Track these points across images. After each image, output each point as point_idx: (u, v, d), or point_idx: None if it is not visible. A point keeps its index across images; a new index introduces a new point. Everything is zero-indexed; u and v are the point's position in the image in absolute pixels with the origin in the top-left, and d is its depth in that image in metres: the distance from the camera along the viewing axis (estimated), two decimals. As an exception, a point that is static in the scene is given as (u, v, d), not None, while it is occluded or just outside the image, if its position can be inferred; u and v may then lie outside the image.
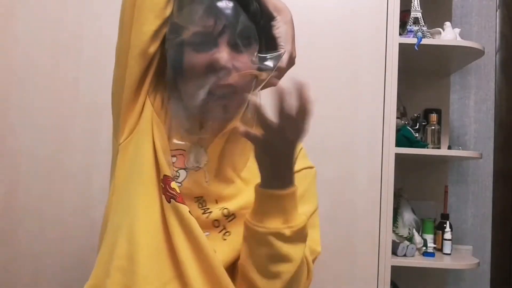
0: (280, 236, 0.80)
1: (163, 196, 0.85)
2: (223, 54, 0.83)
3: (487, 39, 2.38)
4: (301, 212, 0.85)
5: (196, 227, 0.84)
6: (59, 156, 1.70)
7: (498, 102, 2.41)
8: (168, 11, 0.87)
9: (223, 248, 0.87)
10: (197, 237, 0.84)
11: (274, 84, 0.94)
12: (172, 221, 0.84)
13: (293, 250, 0.81)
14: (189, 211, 0.84)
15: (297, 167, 0.91)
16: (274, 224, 0.80)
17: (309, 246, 0.89)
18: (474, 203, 2.38)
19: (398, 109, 1.91)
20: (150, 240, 0.85)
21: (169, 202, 0.85)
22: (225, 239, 0.88)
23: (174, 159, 0.90)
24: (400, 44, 1.79)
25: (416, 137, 2.04)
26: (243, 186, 0.91)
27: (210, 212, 0.87)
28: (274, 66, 0.88)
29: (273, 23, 0.92)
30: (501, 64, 2.42)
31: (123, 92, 0.90)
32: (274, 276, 0.82)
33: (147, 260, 0.84)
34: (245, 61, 0.86)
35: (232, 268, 0.88)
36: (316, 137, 1.75)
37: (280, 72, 0.92)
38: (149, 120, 0.90)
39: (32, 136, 1.70)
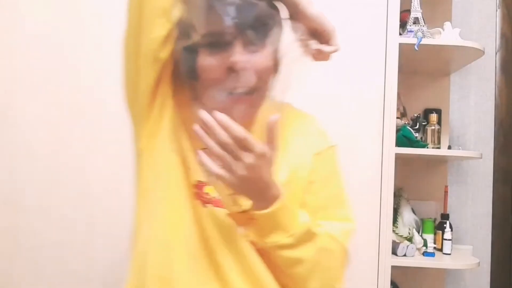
0: (284, 246, 0.82)
1: (198, 201, 0.85)
2: (238, 56, 0.81)
3: (487, 39, 2.37)
4: (326, 197, 0.92)
5: (234, 230, 0.84)
6: (59, 156, 1.70)
7: (498, 102, 2.41)
8: (176, 13, 0.85)
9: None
10: (235, 239, 0.84)
11: (326, 59, 0.96)
12: (209, 225, 0.84)
13: (302, 252, 0.83)
14: (227, 214, 0.85)
15: (317, 148, 0.94)
16: (276, 237, 0.82)
17: (341, 228, 0.91)
18: (474, 203, 2.38)
19: (398, 109, 1.91)
20: (185, 246, 0.85)
21: (205, 206, 0.85)
22: None
23: None
24: (400, 44, 1.79)
25: (416, 137, 2.04)
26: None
27: (245, 209, 0.86)
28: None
29: (300, 8, 0.89)
30: (501, 64, 2.42)
31: (137, 97, 0.88)
32: (293, 277, 0.85)
33: (184, 266, 0.84)
34: (262, 58, 0.84)
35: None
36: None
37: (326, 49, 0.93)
38: (170, 123, 0.88)
39: (32, 136, 1.70)
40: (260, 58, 0.84)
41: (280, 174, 0.87)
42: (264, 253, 0.85)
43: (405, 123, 2.10)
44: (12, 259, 1.68)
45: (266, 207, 0.80)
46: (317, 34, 0.92)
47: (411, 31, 1.95)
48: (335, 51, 0.94)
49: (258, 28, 0.83)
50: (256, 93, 0.85)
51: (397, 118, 1.96)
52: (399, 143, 1.88)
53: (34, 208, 1.69)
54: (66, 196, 1.69)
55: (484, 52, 1.99)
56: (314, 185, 0.93)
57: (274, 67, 0.90)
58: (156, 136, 0.88)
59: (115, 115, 1.72)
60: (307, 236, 0.84)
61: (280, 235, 0.81)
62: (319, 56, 0.94)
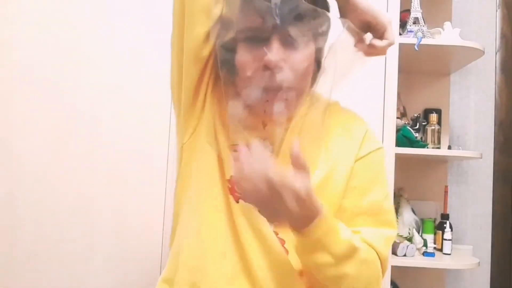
0: (327, 265, 0.80)
1: (231, 197, 0.86)
2: (273, 54, 0.79)
3: (487, 39, 2.37)
4: (369, 202, 0.88)
5: (265, 226, 0.84)
6: (59, 157, 1.70)
7: (498, 102, 2.41)
8: (217, 10, 0.84)
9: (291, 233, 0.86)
10: (265, 236, 0.84)
11: (382, 53, 0.93)
12: (240, 220, 0.85)
13: (345, 269, 0.81)
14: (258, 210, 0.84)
15: (359, 153, 0.91)
16: (318, 258, 0.79)
17: (381, 235, 0.88)
18: (474, 203, 2.38)
19: (398, 109, 1.91)
20: (217, 240, 0.86)
21: (237, 202, 0.85)
22: None
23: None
24: (400, 44, 1.79)
25: (416, 137, 2.04)
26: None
27: None
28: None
29: (352, 1, 0.87)
30: (501, 64, 2.42)
31: (181, 93, 0.89)
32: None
33: (214, 258, 0.85)
34: (300, 56, 0.82)
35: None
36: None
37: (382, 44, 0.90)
38: (210, 119, 0.89)
39: (32, 137, 1.70)
40: (298, 56, 0.82)
41: (315, 175, 0.85)
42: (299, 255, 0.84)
43: (405, 123, 2.10)
44: (11, 259, 1.68)
45: (301, 227, 0.76)
46: (370, 28, 0.90)
47: (411, 31, 1.95)
48: (390, 44, 0.91)
49: (299, 25, 0.80)
50: (293, 91, 0.83)
51: (397, 118, 1.96)
52: (399, 143, 1.88)
53: (34, 208, 1.69)
54: (66, 197, 1.69)
55: (484, 52, 1.99)
56: (355, 191, 0.89)
57: (317, 65, 0.87)
58: (197, 132, 0.90)
59: (115, 115, 1.73)
60: (350, 252, 0.81)
61: (322, 255, 0.78)
62: (373, 51, 0.91)
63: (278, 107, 0.82)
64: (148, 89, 1.73)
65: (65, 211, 1.69)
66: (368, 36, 0.91)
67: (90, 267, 1.68)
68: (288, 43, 0.81)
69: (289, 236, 0.84)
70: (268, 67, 0.80)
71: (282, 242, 0.86)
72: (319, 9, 0.81)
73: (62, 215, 1.69)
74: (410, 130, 2.03)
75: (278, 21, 0.78)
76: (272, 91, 0.81)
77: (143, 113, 1.72)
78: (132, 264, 1.69)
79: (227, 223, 0.86)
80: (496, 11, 2.44)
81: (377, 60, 1.77)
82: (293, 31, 0.80)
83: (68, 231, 1.69)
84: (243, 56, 0.83)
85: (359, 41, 0.91)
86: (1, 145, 1.71)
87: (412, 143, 1.96)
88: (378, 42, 0.90)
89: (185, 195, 0.92)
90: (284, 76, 0.80)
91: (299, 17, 0.80)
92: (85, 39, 1.74)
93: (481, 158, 2.05)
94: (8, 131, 1.71)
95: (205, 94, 0.89)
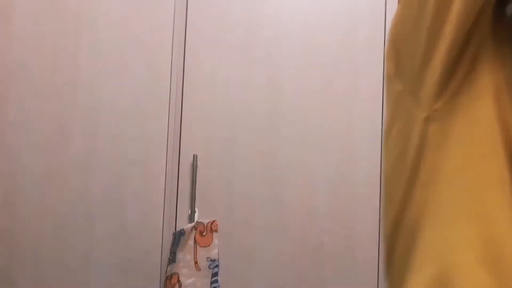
0: None
1: None
2: None
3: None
4: None
5: None
6: (58, 157, 1.70)
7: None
8: None
9: None
10: None
11: None
12: None
13: None
14: None
15: None
16: None
17: None
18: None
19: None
20: None
21: None
22: None
23: None
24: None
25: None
26: None
27: None
28: None
29: None
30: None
31: (437, 45, 0.62)
32: None
33: None
34: None
35: None
36: (316, 137, 1.75)
37: None
38: (490, 82, 0.62)
39: (32, 136, 1.70)
40: None
41: None
42: None
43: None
44: (11, 259, 1.68)
45: None
46: None
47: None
48: None
49: None
50: None
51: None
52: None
53: (34, 208, 1.69)
54: (66, 196, 1.69)
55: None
56: None
57: None
58: (457, 101, 0.63)
59: (114, 115, 1.73)
60: None
61: None
62: None
63: None
64: (147, 88, 1.73)
65: (65, 212, 1.69)
66: None
67: (89, 269, 1.68)
68: None
69: None
70: None
71: None
72: None
73: (61, 216, 1.68)
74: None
75: None
76: None
77: (143, 112, 1.72)
78: (132, 266, 1.68)
79: None
80: (496, 10, 2.43)
81: (377, 59, 1.78)
82: None
83: (67, 232, 1.69)
84: None
85: None
86: (1, 146, 1.71)
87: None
88: None
89: (435, 189, 0.64)
90: None
91: None
92: (83, 35, 1.73)
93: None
94: (7, 129, 1.71)
95: (478, 47, 0.63)
